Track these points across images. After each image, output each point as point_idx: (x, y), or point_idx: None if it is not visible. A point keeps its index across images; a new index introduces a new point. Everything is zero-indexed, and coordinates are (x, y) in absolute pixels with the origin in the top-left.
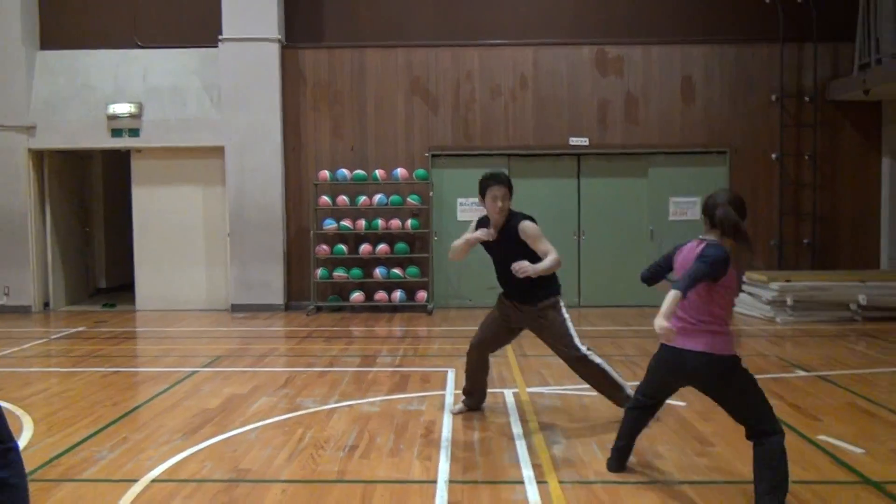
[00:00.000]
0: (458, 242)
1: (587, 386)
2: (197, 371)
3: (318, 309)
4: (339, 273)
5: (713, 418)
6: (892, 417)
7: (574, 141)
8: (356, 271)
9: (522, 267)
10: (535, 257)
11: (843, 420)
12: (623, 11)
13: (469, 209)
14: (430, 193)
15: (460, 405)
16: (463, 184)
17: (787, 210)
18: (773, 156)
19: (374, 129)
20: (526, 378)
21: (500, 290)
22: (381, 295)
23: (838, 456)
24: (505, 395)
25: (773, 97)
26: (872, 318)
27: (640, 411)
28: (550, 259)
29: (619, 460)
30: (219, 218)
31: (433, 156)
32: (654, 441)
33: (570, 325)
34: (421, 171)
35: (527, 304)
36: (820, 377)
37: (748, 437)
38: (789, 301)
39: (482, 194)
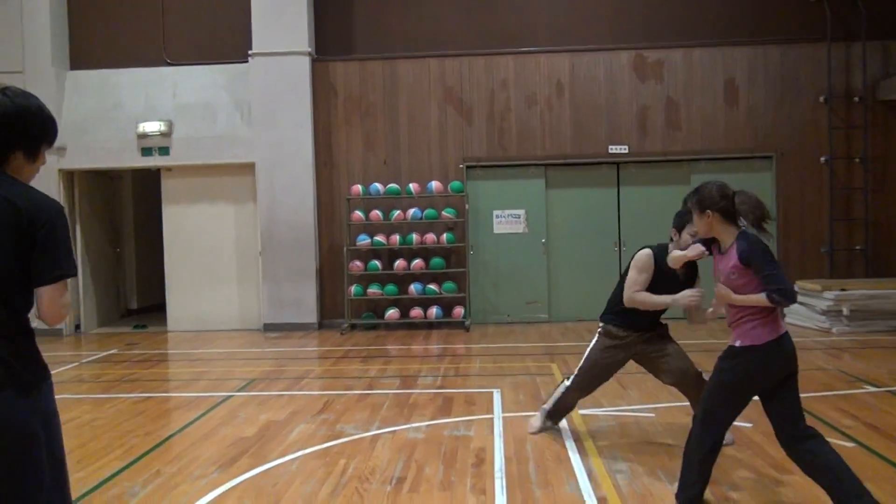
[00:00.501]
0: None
1: (643, 406)
2: (231, 395)
3: (353, 327)
4: (374, 290)
5: None
6: None
7: (613, 149)
8: (391, 288)
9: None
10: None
11: None
12: (662, 14)
13: (505, 221)
14: (466, 206)
15: (541, 423)
16: (499, 195)
17: (838, 216)
18: (822, 159)
19: (407, 141)
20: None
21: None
22: (416, 312)
23: None
24: None
25: (821, 98)
26: None
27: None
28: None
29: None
30: (250, 236)
31: (468, 167)
32: (727, 470)
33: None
34: (456, 184)
35: (651, 331)
36: (891, 393)
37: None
38: (845, 311)
39: (680, 228)
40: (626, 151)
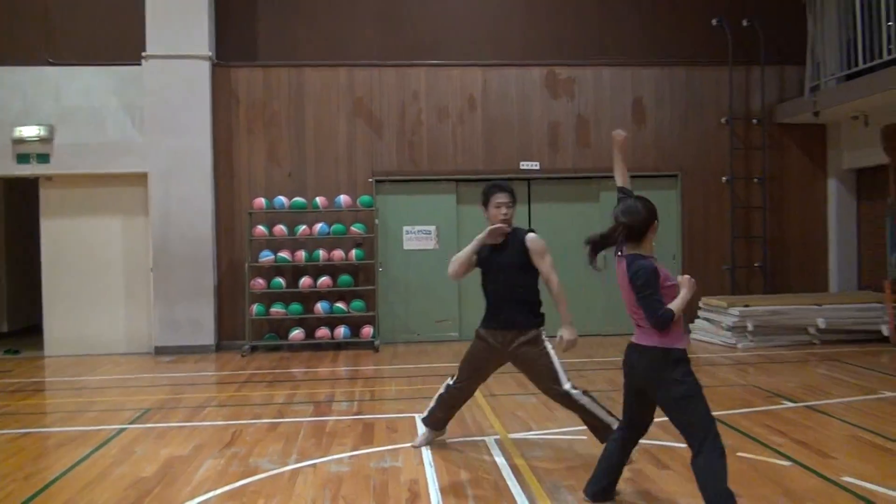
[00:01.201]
0: (462, 252)
1: (574, 427)
2: (124, 428)
3: (254, 349)
4: (277, 309)
5: None
6: None
7: (525, 165)
8: (295, 307)
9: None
10: (531, 274)
11: (857, 456)
12: (573, 32)
13: (416, 237)
14: (375, 221)
15: (425, 437)
16: (409, 211)
17: (739, 233)
18: (724, 179)
19: (314, 153)
20: (504, 423)
21: (483, 321)
22: (323, 332)
23: (877, 502)
24: (488, 443)
25: (723, 120)
26: (828, 340)
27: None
28: (558, 288)
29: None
30: (140, 251)
31: (377, 181)
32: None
33: (555, 358)
34: (365, 198)
35: (512, 331)
36: (809, 407)
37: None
38: (750, 326)
39: (485, 203)
40: (538, 168)
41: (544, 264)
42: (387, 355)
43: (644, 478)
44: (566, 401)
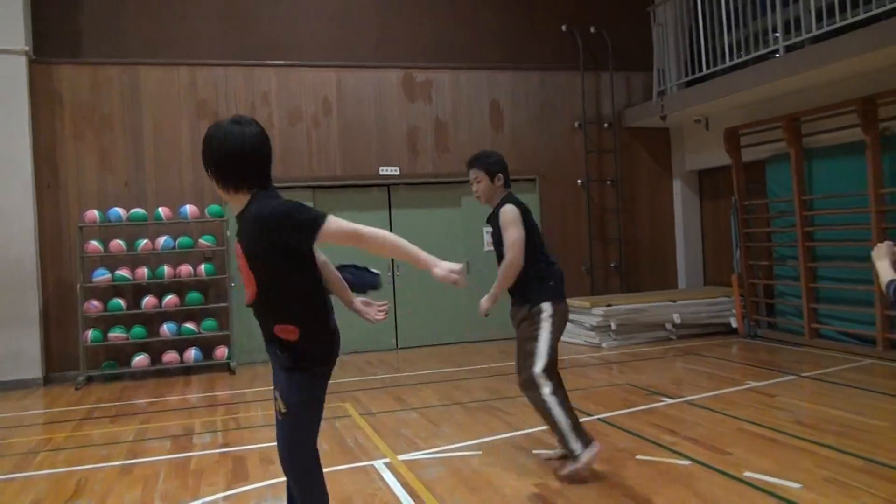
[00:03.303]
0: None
1: (465, 443)
2: None
3: (90, 380)
4: (117, 333)
5: (625, 467)
6: (791, 441)
7: (384, 170)
8: (138, 330)
9: (482, 309)
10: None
11: (750, 450)
12: (430, 35)
13: None
14: (227, 233)
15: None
16: None
17: (595, 235)
18: (579, 182)
19: (154, 160)
20: (391, 443)
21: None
22: (171, 356)
23: (784, 496)
24: (377, 468)
25: (577, 124)
26: (684, 335)
27: None
28: (500, 274)
29: None
30: None
31: None
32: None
33: (544, 339)
34: (214, 208)
35: (515, 306)
36: (688, 403)
37: None
38: (613, 325)
39: None
40: (398, 173)
41: (506, 237)
42: (245, 377)
43: (553, 491)
44: (525, 387)
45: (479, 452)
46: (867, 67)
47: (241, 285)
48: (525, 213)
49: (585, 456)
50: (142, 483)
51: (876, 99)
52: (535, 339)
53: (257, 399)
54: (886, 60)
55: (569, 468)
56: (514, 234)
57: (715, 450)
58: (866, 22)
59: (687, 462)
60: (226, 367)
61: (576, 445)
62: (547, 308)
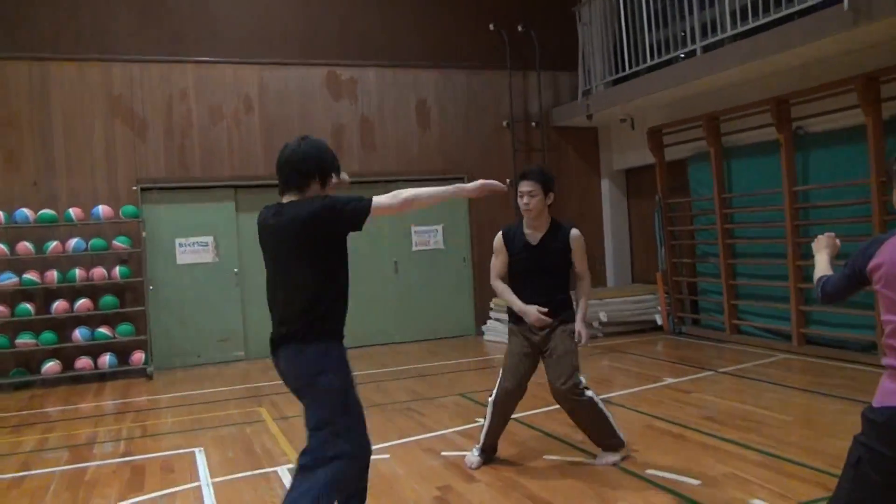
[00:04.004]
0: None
1: (379, 445)
2: None
3: None
4: (25, 340)
5: (531, 467)
6: (697, 437)
7: None
8: (48, 336)
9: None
10: (563, 271)
11: (655, 447)
12: (354, 32)
13: (191, 250)
14: (143, 234)
15: (477, 458)
16: (182, 221)
17: None
18: (508, 181)
19: (65, 159)
20: (298, 448)
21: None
22: (84, 362)
23: (683, 492)
24: (280, 475)
25: (504, 123)
26: (611, 332)
27: None
28: (584, 295)
29: None
30: None
31: (143, 189)
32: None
33: (577, 354)
34: (129, 208)
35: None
36: (604, 400)
37: None
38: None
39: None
40: None
41: (582, 265)
42: (162, 383)
43: (455, 494)
44: (577, 400)
45: (388, 456)
46: (781, 67)
47: (164, 287)
48: None
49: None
50: (28, 497)
51: (788, 99)
52: (575, 352)
53: (172, 405)
54: (798, 60)
55: (609, 458)
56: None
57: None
58: (780, 22)
59: (593, 461)
60: (142, 373)
61: (621, 434)
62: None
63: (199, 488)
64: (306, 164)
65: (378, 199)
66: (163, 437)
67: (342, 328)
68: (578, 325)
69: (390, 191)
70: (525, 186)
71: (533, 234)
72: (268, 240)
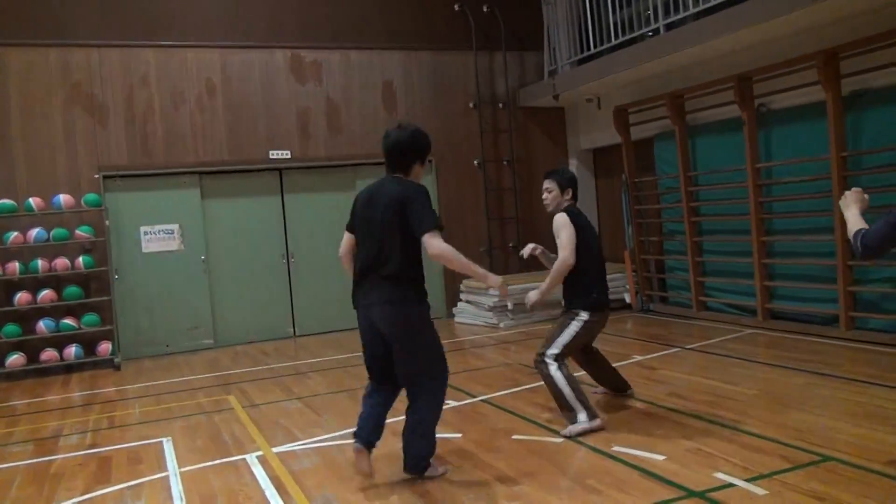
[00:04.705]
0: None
1: (344, 431)
2: None
3: None
4: None
5: (498, 447)
6: (660, 412)
7: (274, 154)
8: (12, 328)
9: (531, 302)
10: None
11: (623, 424)
12: (318, 14)
13: (156, 238)
14: (106, 223)
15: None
16: (147, 209)
17: (493, 215)
18: (476, 162)
19: (23, 147)
20: (267, 435)
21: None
22: (49, 354)
23: (648, 468)
24: (249, 462)
25: (471, 104)
26: None
27: None
28: (552, 272)
29: None
30: None
31: (106, 177)
32: (453, 495)
33: (568, 334)
34: (91, 197)
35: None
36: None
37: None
38: (510, 305)
39: None
40: (289, 157)
41: (558, 242)
42: (130, 373)
43: (424, 477)
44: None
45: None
46: (743, 44)
47: (130, 276)
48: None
49: (589, 423)
50: None
51: (751, 76)
52: (562, 325)
53: (139, 395)
54: (759, 37)
55: (569, 429)
56: (564, 235)
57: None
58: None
59: (560, 440)
60: (110, 364)
61: (581, 411)
62: (585, 315)
63: (166, 478)
64: (408, 150)
65: (433, 236)
66: (130, 428)
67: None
68: (533, 292)
69: (359, 173)
70: (546, 184)
71: None
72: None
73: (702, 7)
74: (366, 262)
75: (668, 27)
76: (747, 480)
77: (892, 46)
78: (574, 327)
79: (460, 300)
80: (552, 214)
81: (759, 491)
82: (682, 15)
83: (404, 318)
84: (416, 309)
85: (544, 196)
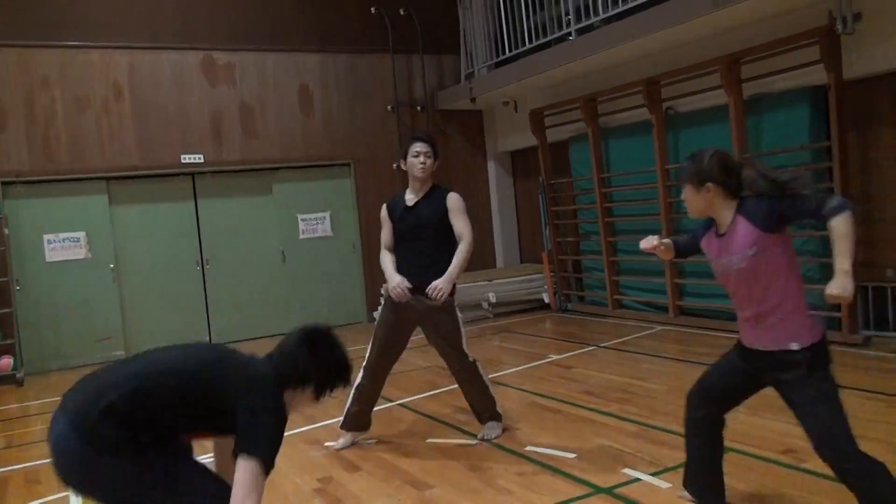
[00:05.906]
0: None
1: None
2: None
3: None
4: None
5: (413, 451)
6: (572, 410)
7: (186, 158)
8: None
9: (437, 290)
10: (446, 234)
11: (537, 424)
12: (231, 14)
13: (61, 247)
14: (5, 231)
15: (346, 439)
16: (51, 217)
17: None
18: (394, 165)
19: None
20: None
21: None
22: None
23: (558, 467)
24: None
25: (389, 107)
26: (501, 313)
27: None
28: (459, 252)
29: None
30: None
31: (5, 184)
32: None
33: (462, 325)
34: None
35: (424, 295)
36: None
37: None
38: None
39: (404, 157)
40: (202, 161)
41: (459, 223)
42: (34, 389)
43: (336, 484)
44: (464, 367)
45: None
46: (650, 49)
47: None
48: None
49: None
50: None
51: (659, 80)
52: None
53: (42, 412)
54: (666, 42)
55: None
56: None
57: (503, 426)
58: (650, 5)
59: (475, 441)
60: (12, 379)
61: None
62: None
63: (66, 499)
64: None
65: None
66: (31, 447)
67: None
68: (439, 280)
69: (276, 177)
70: (422, 147)
71: (412, 199)
72: None
73: (611, 12)
74: None
75: (581, 32)
76: (652, 475)
77: (789, 52)
78: (460, 316)
79: (381, 304)
80: None
81: (664, 484)
82: (593, 20)
83: None
84: None
85: (422, 160)
